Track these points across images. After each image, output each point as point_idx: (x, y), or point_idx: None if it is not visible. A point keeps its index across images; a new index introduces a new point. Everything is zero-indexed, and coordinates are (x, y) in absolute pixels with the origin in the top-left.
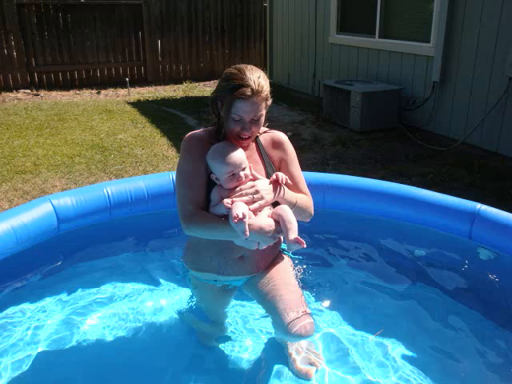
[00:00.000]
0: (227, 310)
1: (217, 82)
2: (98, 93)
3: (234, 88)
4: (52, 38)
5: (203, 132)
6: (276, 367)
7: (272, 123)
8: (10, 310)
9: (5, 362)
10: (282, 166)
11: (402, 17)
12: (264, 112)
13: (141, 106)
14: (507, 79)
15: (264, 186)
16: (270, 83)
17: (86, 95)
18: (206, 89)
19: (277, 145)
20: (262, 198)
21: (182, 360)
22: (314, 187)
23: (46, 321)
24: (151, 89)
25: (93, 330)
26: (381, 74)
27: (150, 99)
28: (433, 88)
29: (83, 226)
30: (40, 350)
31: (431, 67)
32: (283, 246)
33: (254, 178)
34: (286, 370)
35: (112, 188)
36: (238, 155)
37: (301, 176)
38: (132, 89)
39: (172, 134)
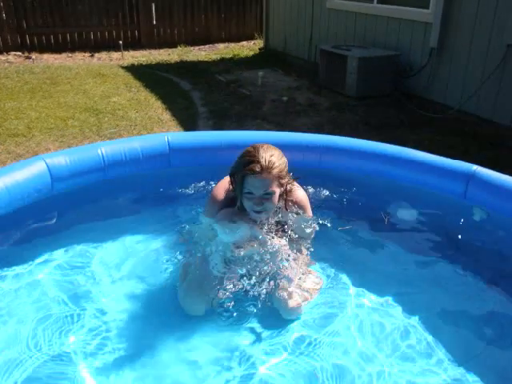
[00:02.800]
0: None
1: (212, 46)
2: (92, 56)
3: (245, 164)
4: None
5: (228, 185)
6: (268, 336)
7: (268, 89)
8: (1, 271)
9: None
10: None
11: None
12: (277, 190)
13: (135, 69)
14: (505, 46)
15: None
16: (266, 48)
17: (79, 58)
18: (200, 53)
19: (293, 207)
20: None
21: (171, 326)
22: (310, 148)
23: (39, 281)
24: (145, 52)
25: (84, 290)
26: (378, 40)
27: (144, 63)
28: (430, 55)
29: (78, 186)
30: (30, 310)
31: (429, 33)
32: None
33: None
34: (280, 341)
35: (106, 148)
36: (244, 233)
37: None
38: (126, 52)
39: (167, 97)
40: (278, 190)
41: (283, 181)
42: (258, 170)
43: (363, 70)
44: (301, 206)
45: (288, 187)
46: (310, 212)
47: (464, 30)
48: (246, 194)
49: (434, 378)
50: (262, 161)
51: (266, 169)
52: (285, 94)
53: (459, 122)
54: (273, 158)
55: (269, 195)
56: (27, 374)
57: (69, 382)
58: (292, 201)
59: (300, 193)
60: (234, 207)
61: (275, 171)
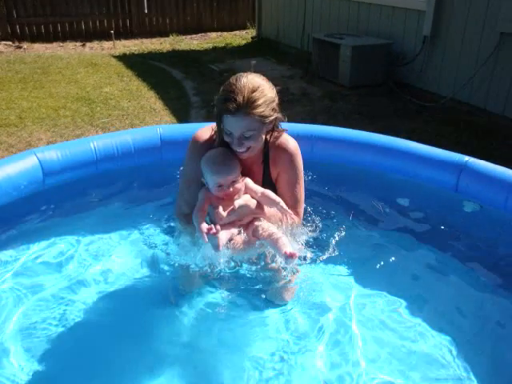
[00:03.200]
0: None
1: (204, 35)
2: (83, 45)
3: (221, 100)
4: None
5: (212, 132)
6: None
7: None
8: None
9: None
10: (282, 177)
11: None
12: (257, 129)
13: (127, 59)
14: (499, 34)
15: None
16: (259, 37)
17: (70, 48)
18: (193, 42)
19: (281, 154)
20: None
21: (163, 308)
22: (302, 138)
23: (31, 275)
24: (137, 41)
25: (79, 283)
26: (371, 29)
27: (135, 52)
28: (423, 43)
29: (69, 180)
30: (23, 304)
31: (422, 22)
32: None
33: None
34: (267, 318)
35: (99, 142)
36: (229, 169)
37: (299, 194)
38: (117, 42)
39: (159, 87)
40: (261, 129)
41: (268, 119)
42: (232, 109)
43: (356, 59)
44: (288, 154)
45: (276, 133)
46: (298, 166)
47: (457, 18)
48: (226, 132)
49: (433, 377)
50: (240, 98)
51: (244, 108)
52: (278, 83)
53: (452, 111)
54: (255, 94)
55: (249, 137)
56: (26, 375)
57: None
58: (279, 147)
59: (290, 141)
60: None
61: (256, 111)
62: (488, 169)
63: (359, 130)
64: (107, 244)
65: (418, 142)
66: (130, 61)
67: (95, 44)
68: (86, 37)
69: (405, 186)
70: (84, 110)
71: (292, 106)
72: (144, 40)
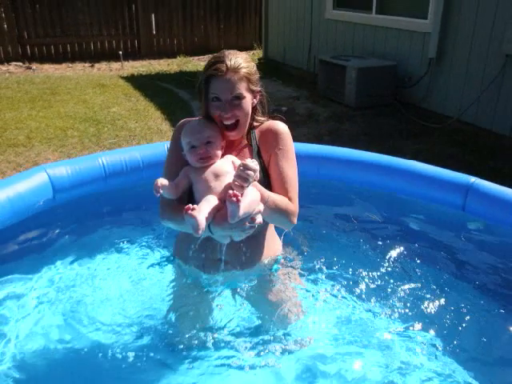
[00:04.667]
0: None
1: (211, 56)
2: (92, 66)
3: (209, 66)
4: (44, 9)
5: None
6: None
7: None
8: (2, 280)
9: None
10: (272, 160)
11: None
12: (247, 95)
13: (134, 80)
14: (504, 56)
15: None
16: (265, 58)
17: (79, 69)
18: (200, 63)
19: (270, 136)
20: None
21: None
22: (308, 158)
23: (40, 291)
24: (145, 62)
25: (84, 300)
26: (377, 51)
27: (143, 73)
28: (429, 65)
29: (79, 196)
30: (31, 320)
31: (428, 44)
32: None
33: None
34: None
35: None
36: (200, 128)
37: (291, 177)
38: (125, 62)
39: (166, 108)
40: (248, 96)
41: (253, 87)
42: (223, 69)
43: (362, 81)
44: (276, 133)
45: (262, 118)
46: (289, 148)
47: (463, 40)
48: (213, 100)
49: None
50: (228, 61)
51: (233, 68)
52: (284, 104)
53: (458, 132)
54: (239, 59)
55: (238, 100)
56: None
57: None
58: (267, 129)
59: (280, 123)
60: None
61: (243, 71)
62: (493, 189)
63: (365, 150)
64: (113, 262)
65: (424, 162)
66: (137, 82)
67: (103, 65)
68: (94, 58)
69: (412, 206)
70: (91, 130)
71: (298, 127)
72: (152, 61)
